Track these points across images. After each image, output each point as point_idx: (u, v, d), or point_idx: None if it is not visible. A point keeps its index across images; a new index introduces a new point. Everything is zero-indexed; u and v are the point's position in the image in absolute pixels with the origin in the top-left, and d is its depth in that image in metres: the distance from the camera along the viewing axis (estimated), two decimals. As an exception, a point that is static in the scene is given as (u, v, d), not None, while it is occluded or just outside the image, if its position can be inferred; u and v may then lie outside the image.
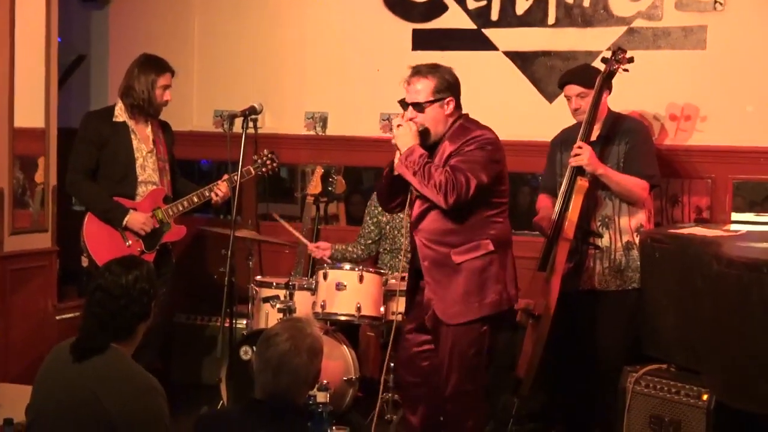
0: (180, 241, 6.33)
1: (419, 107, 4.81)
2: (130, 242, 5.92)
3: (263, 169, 6.31)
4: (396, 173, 4.85)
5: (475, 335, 4.82)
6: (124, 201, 5.93)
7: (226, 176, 6.10)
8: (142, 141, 6.02)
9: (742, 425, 4.66)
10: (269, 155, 6.33)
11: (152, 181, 6.02)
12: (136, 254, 5.70)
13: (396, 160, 4.82)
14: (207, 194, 6.09)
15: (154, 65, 6.02)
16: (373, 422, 5.27)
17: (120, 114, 6.01)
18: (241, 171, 5.94)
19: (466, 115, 4.92)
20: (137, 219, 5.89)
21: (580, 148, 5.41)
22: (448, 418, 4.89)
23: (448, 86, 4.83)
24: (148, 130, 6.07)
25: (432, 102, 4.80)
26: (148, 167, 6.01)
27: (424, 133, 4.80)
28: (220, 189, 6.08)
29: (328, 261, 6.41)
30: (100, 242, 5.91)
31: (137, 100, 5.96)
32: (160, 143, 6.11)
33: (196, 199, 6.08)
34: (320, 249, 6.50)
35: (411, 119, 4.81)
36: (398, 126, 4.80)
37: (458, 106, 4.88)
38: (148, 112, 6.01)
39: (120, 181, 5.96)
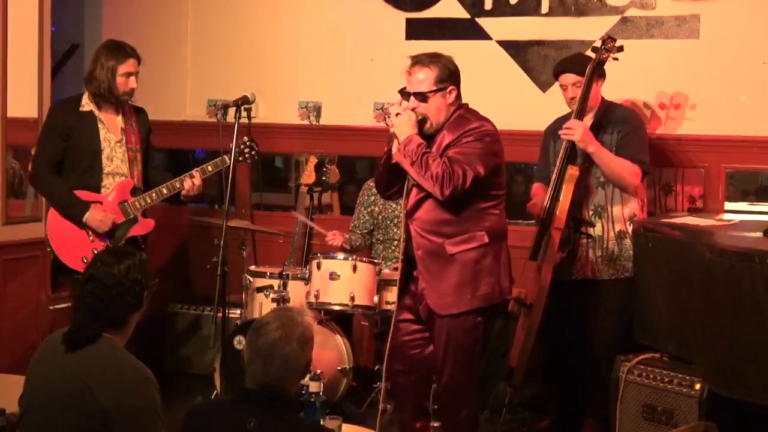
0: (173, 230, 6.30)
1: (422, 97, 4.78)
2: (94, 238, 5.69)
3: (239, 158, 5.97)
4: (394, 161, 4.83)
5: (469, 325, 4.82)
6: (87, 194, 5.70)
7: (197, 168, 5.85)
8: (111, 130, 5.78)
9: (734, 414, 4.67)
10: (248, 143, 6.00)
11: (120, 172, 5.78)
12: (100, 249, 5.50)
13: (394, 149, 4.82)
14: (177, 186, 5.81)
15: (115, 51, 5.74)
16: (379, 415, 5.25)
17: (87, 103, 5.77)
18: (215, 162, 5.82)
19: (466, 105, 4.90)
20: (95, 216, 5.64)
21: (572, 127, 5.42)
22: (443, 408, 4.90)
23: (450, 75, 4.81)
24: (119, 118, 5.82)
25: (435, 92, 4.77)
26: (115, 158, 5.77)
27: (422, 122, 4.78)
28: (193, 181, 5.80)
29: (347, 246, 6.44)
30: (63, 238, 5.71)
31: (98, 88, 5.72)
32: (131, 132, 5.86)
33: (165, 191, 5.81)
34: (337, 237, 6.49)
35: (413, 109, 4.79)
36: (397, 114, 4.78)
37: (459, 95, 4.87)
38: (110, 101, 5.77)
39: (85, 172, 5.73)
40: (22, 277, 6.28)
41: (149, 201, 5.82)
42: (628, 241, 5.51)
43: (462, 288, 4.77)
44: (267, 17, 7.35)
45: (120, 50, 5.76)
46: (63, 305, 6.36)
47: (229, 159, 5.86)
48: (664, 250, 5.11)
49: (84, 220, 5.65)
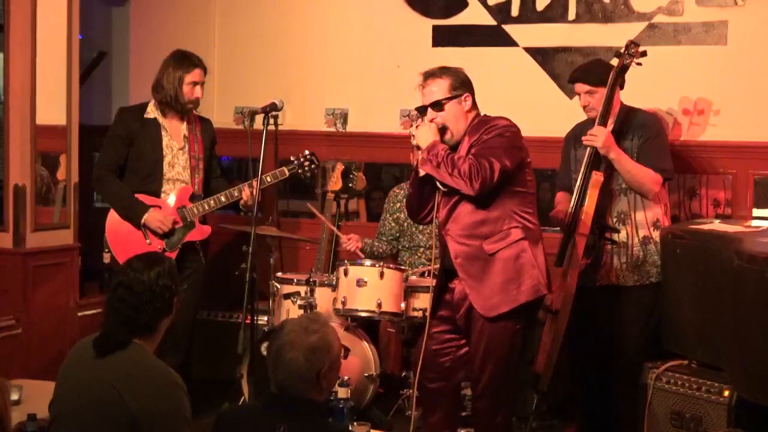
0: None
1: (438, 105, 4.84)
2: (151, 240, 5.87)
3: (299, 170, 6.22)
4: (421, 174, 4.86)
5: (509, 332, 4.84)
6: (147, 198, 5.89)
7: (256, 179, 5.87)
8: (174, 138, 5.96)
9: (763, 421, 4.65)
10: (308, 156, 6.24)
11: (181, 179, 5.96)
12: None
13: (419, 163, 4.84)
14: (236, 194, 5.98)
15: (182, 61, 5.96)
16: (412, 423, 5.25)
17: (152, 110, 5.98)
18: (274, 173, 6.03)
19: (485, 114, 4.95)
20: (155, 217, 5.83)
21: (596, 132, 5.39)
22: (478, 413, 4.91)
23: (463, 83, 4.88)
24: (183, 126, 6.01)
25: (450, 99, 4.83)
26: (177, 165, 5.96)
27: (443, 131, 4.84)
28: (251, 191, 5.91)
29: (360, 254, 6.43)
30: (120, 239, 5.89)
31: (165, 96, 5.92)
32: (195, 141, 6.04)
33: (223, 199, 5.99)
34: (352, 241, 6.50)
35: (431, 120, 4.84)
36: (417, 126, 4.84)
37: (474, 103, 4.91)
38: (176, 109, 5.96)
39: (146, 177, 5.92)
40: (51, 284, 6.31)
41: (207, 208, 6.01)
42: (652, 247, 5.49)
43: (508, 285, 4.78)
44: (294, 24, 7.37)
45: (187, 60, 5.98)
46: (91, 311, 6.40)
47: (289, 171, 6.15)
48: (693, 256, 5.10)
49: (142, 221, 5.85)
